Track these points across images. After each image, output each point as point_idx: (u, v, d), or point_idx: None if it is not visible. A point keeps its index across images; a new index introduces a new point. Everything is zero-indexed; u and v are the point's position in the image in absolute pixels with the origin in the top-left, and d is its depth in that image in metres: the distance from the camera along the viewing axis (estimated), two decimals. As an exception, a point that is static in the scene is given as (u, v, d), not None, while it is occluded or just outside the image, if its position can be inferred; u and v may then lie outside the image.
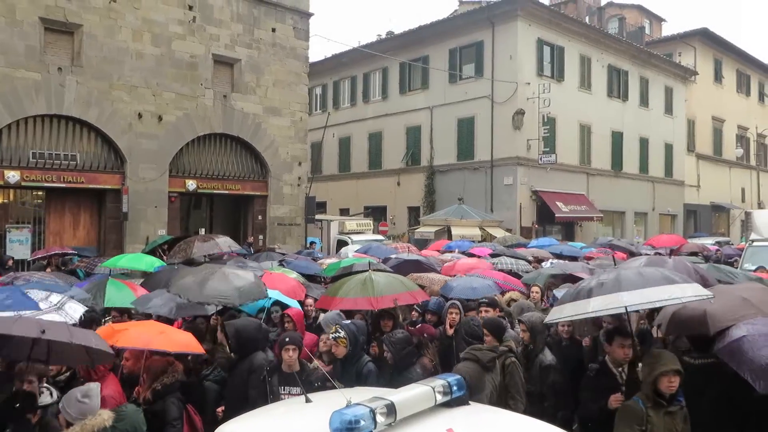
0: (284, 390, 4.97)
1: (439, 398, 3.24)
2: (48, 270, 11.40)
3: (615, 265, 6.49)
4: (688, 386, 4.22)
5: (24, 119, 15.54)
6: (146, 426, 4.14)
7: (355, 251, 14.20)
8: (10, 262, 13.83)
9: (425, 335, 6.22)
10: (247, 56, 19.68)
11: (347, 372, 5.34)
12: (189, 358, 5.56)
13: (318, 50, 65.52)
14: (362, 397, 3.05)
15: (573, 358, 5.89)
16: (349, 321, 5.85)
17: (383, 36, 32.98)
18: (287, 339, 5.13)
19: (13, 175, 15.22)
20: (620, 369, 4.77)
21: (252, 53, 19.79)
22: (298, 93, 21.20)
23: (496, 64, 25.21)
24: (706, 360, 4.55)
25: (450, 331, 6.51)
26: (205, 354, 5.56)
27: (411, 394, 3.18)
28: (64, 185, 16.23)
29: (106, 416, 3.69)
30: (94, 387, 3.95)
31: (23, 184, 15.55)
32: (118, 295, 7.16)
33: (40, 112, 15.73)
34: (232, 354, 5.70)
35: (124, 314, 7.10)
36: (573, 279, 8.08)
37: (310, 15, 21.53)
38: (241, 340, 5.38)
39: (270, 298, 7.09)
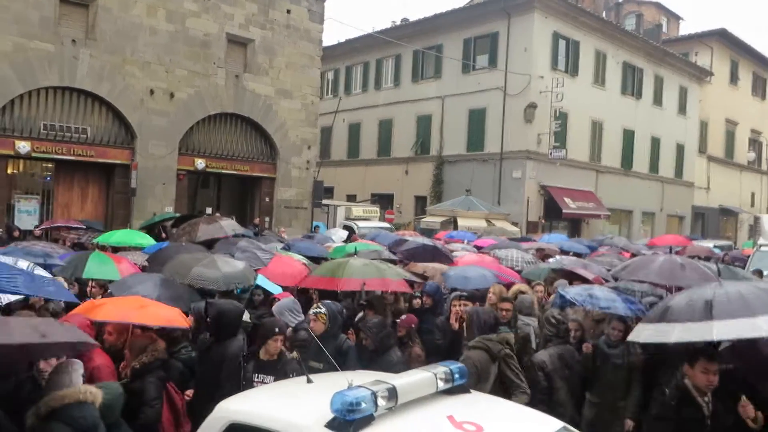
0: (257, 378, 4.83)
1: (441, 385, 3.25)
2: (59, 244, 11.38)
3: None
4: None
5: (36, 90, 15.55)
6: (125, 404, 4.03)
7: (364, 238, 14.19)
8: (16, 233, 13.90)
9: (413, 325, 6.13)
10: (261, 37, 19.60)
11: (324, 349, 5.19)
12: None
13: (332, 34, 65.43)
14: (364, 380, 3.06)
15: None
16: (329, 302, 5.82)
17: (398, 23, 32.80)
18: (277, 329, 4.98)
19: (23, 146, 15.26)
20: (706, 399, 4.05)
21: (266, 34, 19.71)
22: (311, 76, 21.13)
23: (511, 55, 25.04)
24: None
25: (456, 325, 6.43)
26: (189, 328, 5.48)
27: (413, 380, 3.20)
28: (73, 158, 16.27)
29: (83, 389, 3.57)
30: (76, 363, 3.81)
31: (33, 155, 15.59)
32: (100, 268, 7.05)
33: (53, 84, 15.73)
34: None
35: (103, 288, 7.04)
36: (574, 276, 8.05)
37: (325, -2, 21.40)
38: (221, 323, 5.26)
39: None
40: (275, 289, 7.25)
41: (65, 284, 6.33)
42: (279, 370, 4.78)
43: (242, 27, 19.14)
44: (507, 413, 3.40)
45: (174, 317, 5.12)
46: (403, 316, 6.19)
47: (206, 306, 5.69)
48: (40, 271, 5.76)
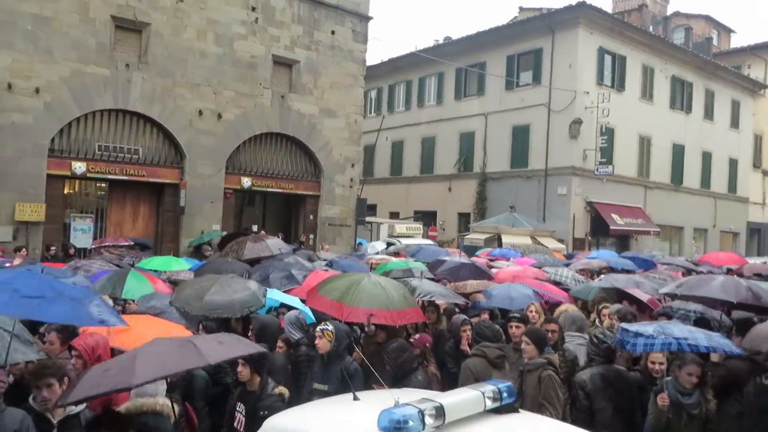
0: (239, 407, 4.76)
1: (489, 404, 3.20)
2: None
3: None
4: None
5: (92, 113, 16.16)
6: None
7: (406, 253, 14.18)
8: (72, 251, 14.41)
9: (427, 344, 6.03)
10: (306, 57, 19.97)
11: (330, 371, 5.15)
12: None
13: (375, 54, 66.09)
14: (410, 397, 3.04)
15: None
16: (338, 321, 5.67)
17: (440, 41, 32.95)
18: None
19: (79, 167, 15.85)
20: None
21: (311, 55, 20.08)
22: (354, 95, 21.38)
23: (555, 72, 24.82)
24: None
25: (468, 350, 6.24)
26: None
27: (460, 398, 3.15)
28: (126, 178, 16.80)
29: (161, 401, 3.82)
30: None
31: (89, 175, 16.17)
32: (138, 286, 7.21)
33: (107, 107, 16.34)
34: None
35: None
36: (626, 296, 7.79)
37: (369, 18, 21.69)
38: (265, 336, 5.44)
39: (276, 302, 7.24)
40: (299, 305, 7.16)
41: (110, 302, 6.49)
42: (254, 403, 4.61)
43: (288, 48, 19.55)
44: (557, 434, 3.33)
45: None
46: (416, 336, 6.06)
47: (246, 319, 5.81)
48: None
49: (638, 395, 5.23)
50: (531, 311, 6.98)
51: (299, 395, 5.14)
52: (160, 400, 3.81)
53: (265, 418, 4.49)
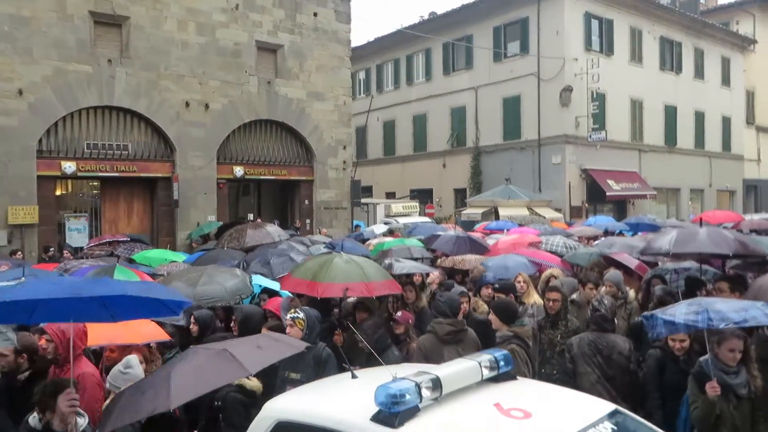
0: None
1: (486, 373, 3.18)
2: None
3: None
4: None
5: (78, 111, 16.02)
6: None
7: (402, 232, 14.17)
8: (66, 253, 14.20)
9: (410, 321, 5.99)
10: (290, 42, 19.76)
11: (303, 359, 4.96)
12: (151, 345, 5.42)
13: (360, 34, 65.62)
14: (407, 372, 3.02)
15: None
16: (308, 308, 5.51)
17: (425, 17, 32.62)
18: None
19: (69, 166, 15.75)
20: None
21: (294, 38, 19.86)
22: (341, 77, 21.20)
23: (542, 40, 24.61)
24: None
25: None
26: (171, 340, 5.52)
27: (457, 369, 3.14)
28: (117, 174, 16.71)
29: None
30: (132, 358, 4.23)
31: (79, 174, 16.08)
32: (126, 279, 7.10)
33: (93, 104, 16.19)
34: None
35: None
36: (613, 263, 7.66)
37: (351, -2, 21.44)
38: (248, 327, 5.28)
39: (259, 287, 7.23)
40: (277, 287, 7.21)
41: None
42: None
43: (271, 33, 19.34)
44: (555, 398, 3.31)
45: (155, 332, 5.18)
46: (399, 313, 5.99)
47: (228, 310, 5.71)
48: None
49: (634, 368, 5.08)
50: (519, 281, 6.96)
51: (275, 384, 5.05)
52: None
53: (219, 409, 4.44)
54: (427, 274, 7.91)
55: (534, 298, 6.80)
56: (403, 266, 7.42)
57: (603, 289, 6.72)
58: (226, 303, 6.34)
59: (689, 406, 4.25)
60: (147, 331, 5.15)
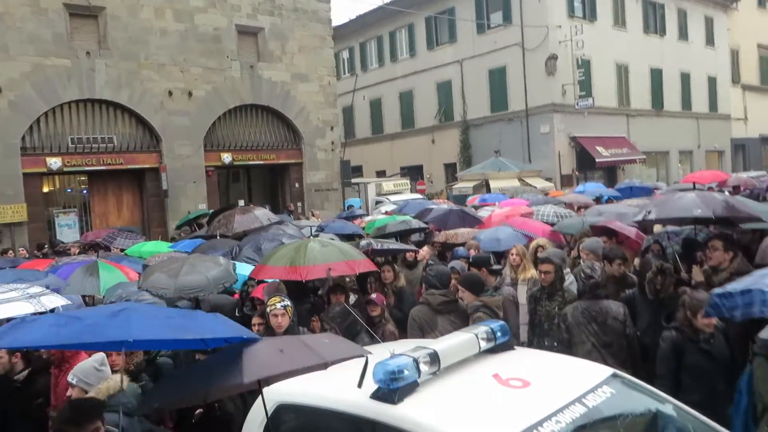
0: None
1: (483, 345, 3.19)
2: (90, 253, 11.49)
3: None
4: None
5: (59, 106, 15.81)
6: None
7: (391, 210, 14.16)
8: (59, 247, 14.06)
9: (384, 303, 5.91)
10: (270, 24, 19.50)
11: None
12: None
13: (341, 13, 64.85)
14: (405, 347, 3.01)
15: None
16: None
17: (406, -9, 32.23)
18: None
19: (54, 162, 15.59)
20: None
21: (275, 20, 19.59)
22: (324, 57, 20.98)
23: (525, 9, 24.41)
24: None
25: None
26: None
27: (454, 342, 3.14)
28: (104, 168, 16.56)
29: (118, 378, 3.67)
30: (103, 356, 4.05)
31: (65, 169, 15.92)
32: (112, 277, 6.97)
33: (74, 98, 15.97)
34: None
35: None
36: (610, 231, 7.42)
37: (329, -25, 21.13)
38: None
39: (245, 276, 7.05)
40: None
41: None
42: None
43: (250, 16, 19.06)
44: (554, 366, 3.33)
45: None
46: (374, 295, 5.91)
47: (197, 302, 5.50)
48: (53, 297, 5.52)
49: (630, 332, 4.97)
50: (512, 254, 6.90)
51: None
52: (117, 377, 3.69)
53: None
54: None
55: (531, 273, 6.60)
56: (384, 245, 7.35)
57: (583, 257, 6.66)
58: (209, 293, 6.15)
59: (754, 392, 3.61)
60: None
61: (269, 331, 5.03)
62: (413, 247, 8.13)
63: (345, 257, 5.92)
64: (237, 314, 6.12)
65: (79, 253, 11.83)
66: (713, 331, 4.28)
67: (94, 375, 3.84)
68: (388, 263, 7.16)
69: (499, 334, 3.28)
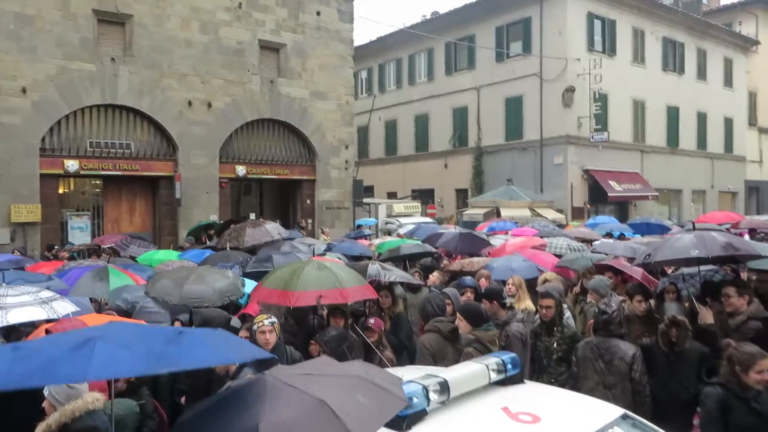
0: None
1: (494, 376, 3.19)
2: (97, 257, 11.52)
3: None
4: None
5: (81, 109, 16.01)
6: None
7: (403, 233, 14.19)
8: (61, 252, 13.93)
9: (382, 328, 5.88)
10: (293, 41, 19.75)
11: (280, 362, 4.84)
12: None
13: (363, 33, 65.50)
14: (414, 374, 3.02)
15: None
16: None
17: (428, 16, 32.58)
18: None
19: (72, 164, 15.75)
20: None
21: (297, 38, 19.85)
22: (344, 76, 21.18)
23: (545, 40, 24.59)
24: None
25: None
26: None
27: (464, 372, 3.14)
28: (120, 173, 16.70)
29: (90, 399, 3.42)
30: None
31: (82, 172, 16.07)
32: (120, 282, 7.07)
33: (96, 102, 16.17)
34: None
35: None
36: (615, 269, 7.32)
37: (354, -3, 21.41)
38: None
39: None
40: None
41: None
42: None
43: (274, 32, 19.32)
44: (564, 402, 3.31)
45: None
46: (372, 320, 5.84)
47: (191, 316, 5.49)
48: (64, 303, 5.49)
49: (636, 376, 4.80)
50: (509, 284, 6.84)
51: None
52: (89, 397, 3.43)
53: None
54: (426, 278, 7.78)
55: (526, 304, 6.56)
56: (391, 274, 7.14)
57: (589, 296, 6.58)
58: (214, 304, 6.16)
59: None
60: None
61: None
62: (419, 281, 7.91)
63: (339, 284, 5.73)
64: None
65: (88, 256, 11.94)
66: (761, 389, 3.94)
67: (63, 392, 3.45)
68: (386, 288, 7.03)
69: (510, 366, 3.28)
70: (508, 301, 6.66)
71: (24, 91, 14.94)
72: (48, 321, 5.22)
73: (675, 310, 5.91)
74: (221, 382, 4.44)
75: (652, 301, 6.26)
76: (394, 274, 7.19)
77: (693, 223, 7.78)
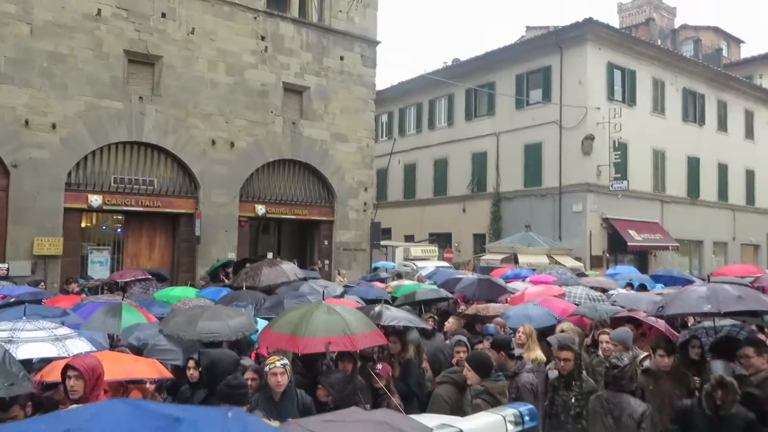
0: None
1: (511, 428, 3.13)
2: (110, 293, 11.57)
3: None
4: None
5: (107, 146, 16.37)
6: None
7: (422, 277, 14.12)
8: (75, 286, 13.95)
9: (389, 374, 5.80)
10: (316, 84, 20.15)
11: (285, 406, 4.83)
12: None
13: (385, 78, 66.54)
14: (430, 423, 2.96)
15: None
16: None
17: (449, 63, 33.15)
18: None
19: (96, 199, 16.02)
20: None
21: (320, 81, 20.26)
22: (365, 120, 21.49)
23: (565, 88, 24.81)
24: None
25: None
26: (172, 378, 5.47)
27: (481, 422, 3.09)
28: (141, 209, 16.94)
29: None
30: None
31: (105, 207, 16.33)
32: (133, 319, 7.12)
33: (122, 139, 16.55)
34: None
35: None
36: (634, 321, 7.23)
37: (377, 43, 21.89)
38: (214, 374, 4.94)
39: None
40: None
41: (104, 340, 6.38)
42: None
43: (298, 75, 19.75)
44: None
45: (160, 368, 5.04)
46: (379, 366, 5.75)
47: (199, 356, 5.49)
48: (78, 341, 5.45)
49: None
50: (519, 332, 6.73)
51: None
52: None
53: None
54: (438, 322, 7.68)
55: (536, 354, 6.44)
56: (393, 317, 7.00)
57: (603, 346, 6.42)
58: (228, 339, 6.24)
59: None
60: (155, 367, 5.09)
61: (264, 388, 4.96)
62: (426, 324, 7.77)
63: (348, 330, 5.63)
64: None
65: (100, 292, 12.02)
66: None
67: None
68: (396, 334, 6.92)
69: (527, 418, 3.22)
70: (517, 351, 6.55)
71: (54, 126, 15.34)
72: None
73: (722, 369, 5.50)
74: None
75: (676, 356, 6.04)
76: (396, 317, 7.04)
77: (708, 276, 7.65)
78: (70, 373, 4.19)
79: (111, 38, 16.22)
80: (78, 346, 5.33)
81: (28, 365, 5.43)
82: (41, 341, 5.14)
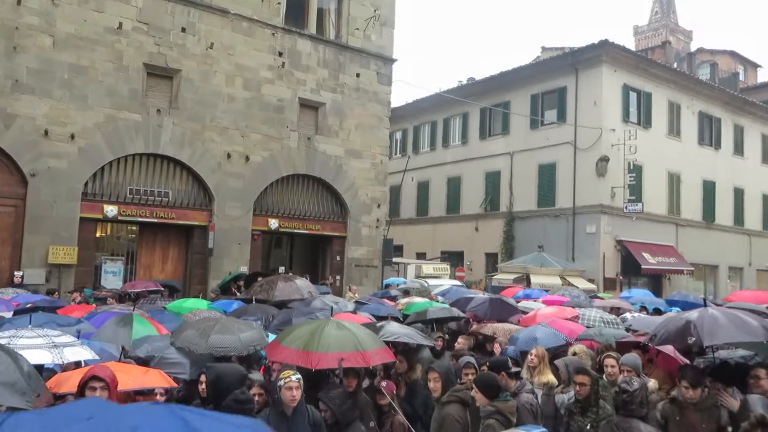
0: None
1: (528, 451, 3.07)
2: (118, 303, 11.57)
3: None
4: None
5: (124, 157, 16.53)
6: None
7: (434, 295, 14.04)
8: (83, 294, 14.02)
9: (394, 392, 5.74)
10: (332, 100, 20.29)
11: (297, 424, 4.75)
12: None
13: (400, 96, 67.18)
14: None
15: None
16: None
17: (464, 82, 33.28)
18: None
19: (111, 209, 16.15)
20: None
21: (336, 97, 20.39)
22: (379, 136, 21.57)
23: (580, 109, 24.80)
24: None
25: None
26: (178, 387, 5.45)
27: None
28: (156, 220, 17.04)
29: None
30: None
31: (120, 218, 16.44)
32: (144, 330, 7.10)
33: (139, 151, 16.70)
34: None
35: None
36: (641, 346, 6.92)
37: (393, 61, 22.03)
38: (218, 389, 4.85)
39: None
40: None
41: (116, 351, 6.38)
42: None
43: (314, 91, 19.90)
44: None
45: (148, 380, 5.00)
46: (384, 383, 5.70)
47: (206, 370, 5.43)
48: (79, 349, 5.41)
49: None
50: (532, 354, 6.64)
51: None
52: None
53: None
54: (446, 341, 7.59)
55: (547, 378, 6.32)
56: (393, 332, 6.84)
57: (608, 370, 6.29)
58: (239, 353, 6.24)
59: None
60: (136, 379, 5.00)
61: (276, 404, 4.87)
62: (429, 342, 7.66)
63: (360, 347, 5.60)
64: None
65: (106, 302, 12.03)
66: None
67: None
68: (402, 352, 6.82)
69: (543, 441, 3.17)
70: (525, 374, 6.47)
71: (72, 137, 15.52)
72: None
73: (761, 405, 5.06)
74: None
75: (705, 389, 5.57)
76: (395, 333, 6.88)
77: (705, 300, 7.28)
78: (95, 384, 4.05)
79: (131, 51, 16.45)
80: (77, 354, 5.29)
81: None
82: (38, 348, 5.10)
